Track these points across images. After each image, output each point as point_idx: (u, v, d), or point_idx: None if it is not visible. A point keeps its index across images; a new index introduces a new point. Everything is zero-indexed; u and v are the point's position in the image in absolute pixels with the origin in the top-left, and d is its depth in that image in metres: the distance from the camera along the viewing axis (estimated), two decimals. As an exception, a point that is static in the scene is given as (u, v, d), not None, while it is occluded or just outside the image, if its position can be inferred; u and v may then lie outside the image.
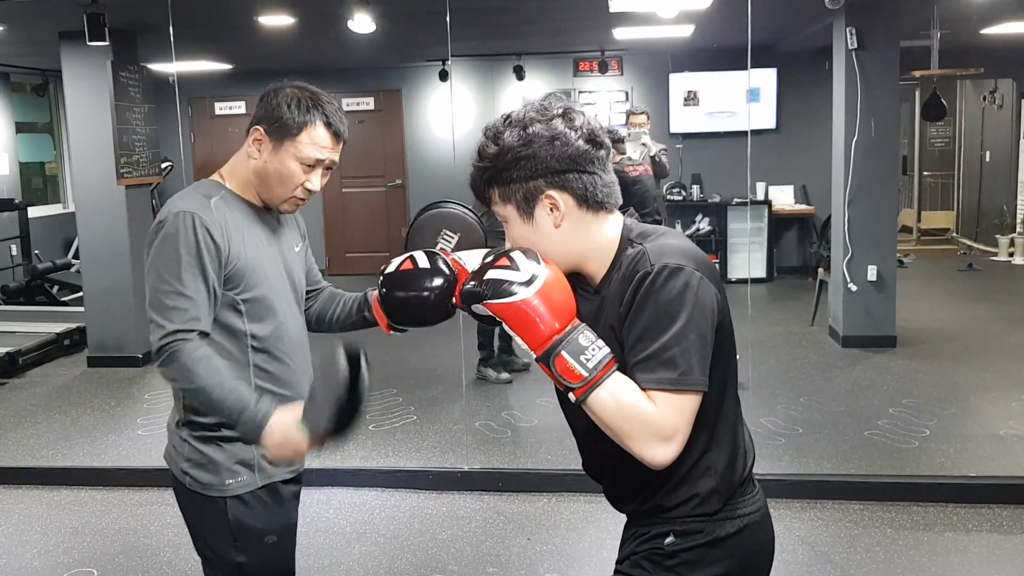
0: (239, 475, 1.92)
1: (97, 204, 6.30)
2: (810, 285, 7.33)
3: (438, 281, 1.70)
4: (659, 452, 1.41)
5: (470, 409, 5.18)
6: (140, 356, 6.31)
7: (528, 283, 1.43)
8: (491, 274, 1.47)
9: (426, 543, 3.69)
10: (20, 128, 9.42)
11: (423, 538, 3.73)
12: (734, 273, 8.76)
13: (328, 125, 1.88)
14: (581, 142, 1.48)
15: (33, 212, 8.82)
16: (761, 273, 8.87)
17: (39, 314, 7.66)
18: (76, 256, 8.48)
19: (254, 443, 1.80)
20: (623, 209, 1.59)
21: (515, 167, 1.49)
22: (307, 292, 2.16)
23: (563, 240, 1.50)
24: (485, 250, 1.86)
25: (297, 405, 1.77)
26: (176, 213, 1.82)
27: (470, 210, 1.97)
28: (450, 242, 1.95)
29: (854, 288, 6.24)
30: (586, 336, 1.43)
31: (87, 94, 6.22)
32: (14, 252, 8.65)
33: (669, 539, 1.55)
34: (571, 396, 1.44)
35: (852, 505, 3.89)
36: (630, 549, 1.63)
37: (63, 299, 8.42)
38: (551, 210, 1.49)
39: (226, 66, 8.86)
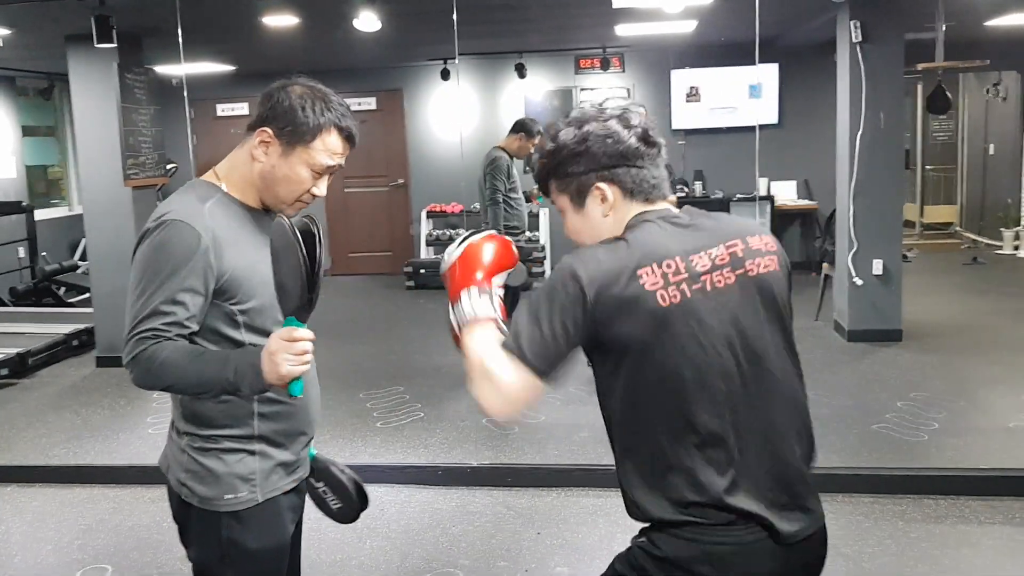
0: (238, 491, 1.84)
1: (104, 205, 6.33)
2: (813, 280, 7.33)
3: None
4: (484, 398, 1.55)
5: (476, 405, 5.18)
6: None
7: (451, 256, 1.71)
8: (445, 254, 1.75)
9: (437, 537, 3.71)
10: (26, 132, 9.45)
11: (434, 533, 3.75)
12: (739, 268, 8.74)
13: (341, 130, 1.82)
14: (633, 140, 1.59)
15: (39, 214, 8.84)
16: (765, 269, 8.85)
17: (47, 315, 7.70)
18: (83, 258, 8.51)
19: (261, 386, 1.68)
20: None
21: (571, 162, 1.61)
22: None
23: (612, 228, 1.60)
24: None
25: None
26: (168, 220, 1.74)
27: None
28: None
29: (860, 282, 6.24)
30: (482, 297, 1.64)
31: (94, 96, 6.25)
32: (21, 254, 8.68)
33: (641, 539, 1.61)
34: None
35: (862, 498, 3.90)
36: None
37: (70, 300, 8.45)
38: (601, 201, 1.61)
39: (229, 67, 8.88)
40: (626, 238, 1.55)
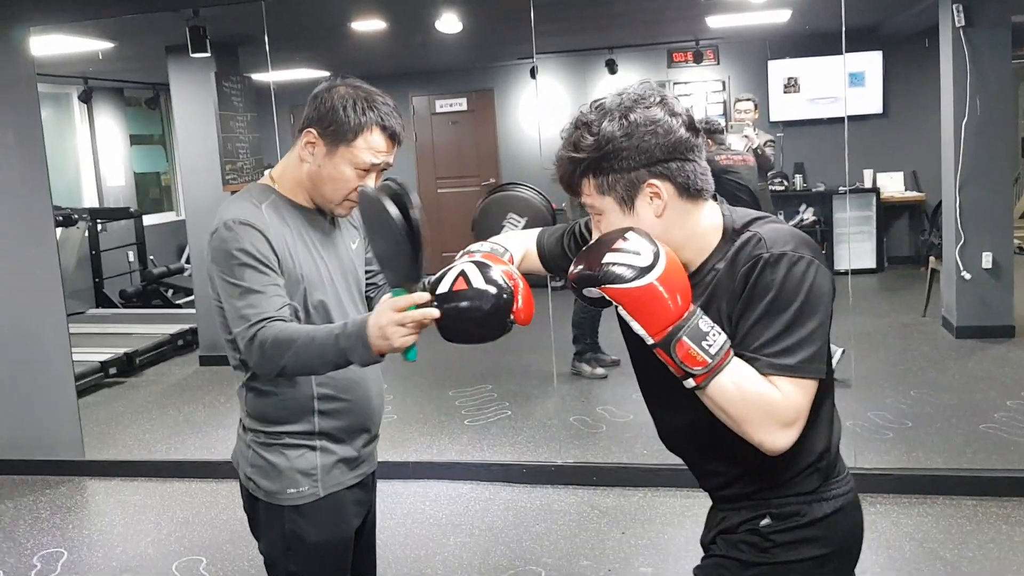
0: (299, 485, 1.88)
1: (205, 210, 6.55)
2: (922, 275, 7.02)
3: (495, 299, 1.58)
4: (779, 438, 1.40)
5: (564, 404, 5.17)
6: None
7: (650, 267, 1.38)
8: (609, 257, 1.40)
9: (520, 535, 3.69)
10: (134, 140, 9.89)
11: (517, 530, 3.74)
12: (842, 264, 8.46)
13: (384, 128, 1.82)
14: (683, 130, 1.44)
15: (148, 220, 9.24)
16: (871, 263, 8.54)
17: (154, 316, 8.04)
18: (188, 261, 8.84)
19: (370, 359, 1.64)
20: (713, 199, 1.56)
21: (616, 157, 1.44)
22: (368, 284, 2.10)
23: (664, 229, 1.46)
24: (531, 231, 1.84)
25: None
26: (227, 222, 1.78)
27: (538, 192, 1.91)
28: (516, 225, 1.86)
29: (968, 276, 5.95)
30: (705, 321, 1.40)
31: (193, 105, 6.50)
32: (131, 258, 9.08)
33: (765, 521, 1.54)
34: (689, 382, 1.41)
35: (964, 501, 3.71)
36: (721, 529, 1.62)
37: (177, 302, 8.80)
38: (651, 199, 1.46)
39: (323, 73, 9.08)
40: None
